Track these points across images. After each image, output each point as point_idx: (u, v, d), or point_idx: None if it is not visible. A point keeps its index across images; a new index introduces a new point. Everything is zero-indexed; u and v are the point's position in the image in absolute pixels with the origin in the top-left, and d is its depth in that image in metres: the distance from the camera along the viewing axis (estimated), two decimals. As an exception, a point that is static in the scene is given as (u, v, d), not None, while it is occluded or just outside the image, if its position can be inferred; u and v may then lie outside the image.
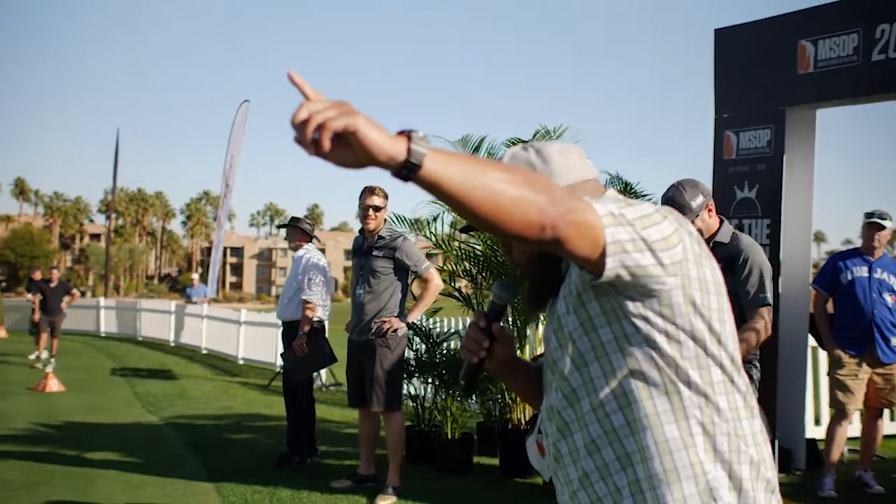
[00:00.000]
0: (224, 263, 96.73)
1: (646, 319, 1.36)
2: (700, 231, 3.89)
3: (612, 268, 1.27)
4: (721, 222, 4.04)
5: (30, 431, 7.75)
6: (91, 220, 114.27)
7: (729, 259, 3.82)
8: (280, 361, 7.40)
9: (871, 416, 5.86)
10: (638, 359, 1.37)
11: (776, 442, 5.75)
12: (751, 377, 3.86)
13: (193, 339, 17.19)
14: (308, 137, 1.09)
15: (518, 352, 6.40)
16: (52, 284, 14.54)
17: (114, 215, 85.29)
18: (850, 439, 6.38)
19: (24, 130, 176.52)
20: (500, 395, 6.60)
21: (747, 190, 6.31)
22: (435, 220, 6.92)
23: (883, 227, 5.63)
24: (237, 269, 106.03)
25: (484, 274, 6.76)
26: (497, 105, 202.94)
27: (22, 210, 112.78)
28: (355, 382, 5.66)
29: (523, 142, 4.89)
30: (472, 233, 2.92)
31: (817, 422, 7.33)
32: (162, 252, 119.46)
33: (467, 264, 6.81)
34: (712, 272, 1.41)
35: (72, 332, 19.90)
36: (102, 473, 6.04)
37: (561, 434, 1.48)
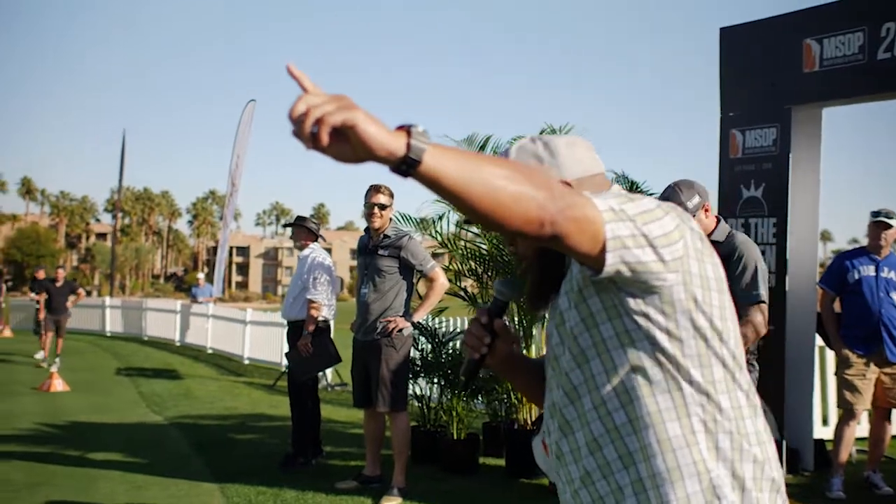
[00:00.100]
0: (230, 263, 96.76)
1: (646, 316, 1.34)
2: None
3: (612, 263, 1.25)
4: (717, 221, 4.05)
5: (34, 431, 7.76)
6: (97, 220, 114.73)
7: (723, 257, 3.81)
8: (285, 361, 7.38)
9: (879, 416, 5.82)
10: (639, 355, 1.36)
11: (784, 442, 5.72)
12: None
13: (199, 339, 17.19)
14: (306, 131, 1.08)
15: (524, 351, 6.39)
16: (58, 284, 14.57)
17: (120, 214, 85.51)
18: (859, 440, 6.35)
19: (28, 130, 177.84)
20: (505, 396, 6.58)
21: (753, 189, 6.29)
22: (440, 218, 6.88)
23: (889, 226, 5.61)
24: (243, 269, 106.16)
25: (490, 273, 6.73)
26: (498, 105, 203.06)
27: (28, 209, 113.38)
28: (361, 382, 5.65)
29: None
30: (476, 228, 2.90)
31: (825, 422, 7.29)
32: (168, 251, 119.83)
33: (473, 263, 6.78)
34: (714, 269, 1.40)
35: (77, 332, 19.94)
36: (106, 474, 6.04)
37: (562, 432, 1.47)
